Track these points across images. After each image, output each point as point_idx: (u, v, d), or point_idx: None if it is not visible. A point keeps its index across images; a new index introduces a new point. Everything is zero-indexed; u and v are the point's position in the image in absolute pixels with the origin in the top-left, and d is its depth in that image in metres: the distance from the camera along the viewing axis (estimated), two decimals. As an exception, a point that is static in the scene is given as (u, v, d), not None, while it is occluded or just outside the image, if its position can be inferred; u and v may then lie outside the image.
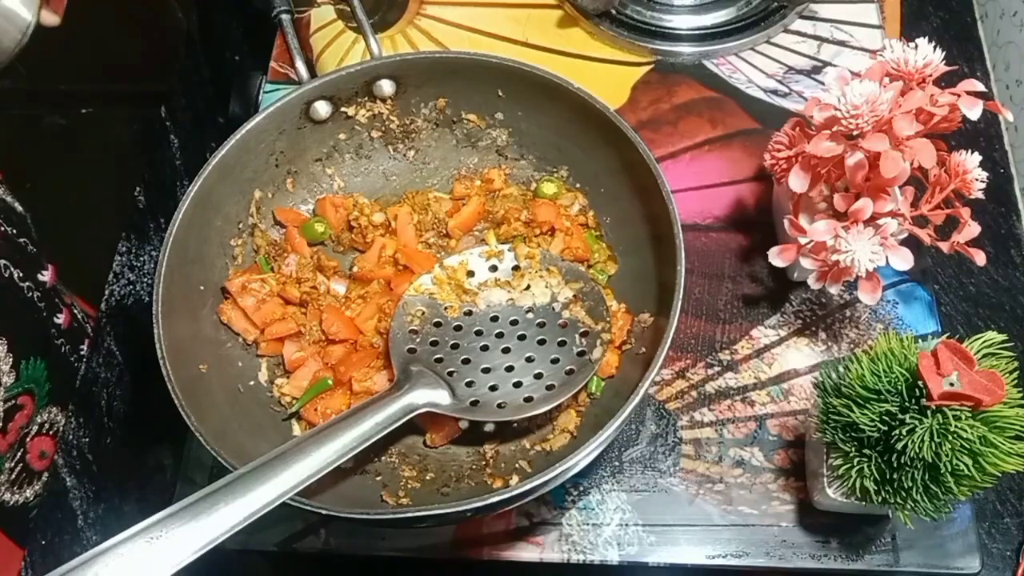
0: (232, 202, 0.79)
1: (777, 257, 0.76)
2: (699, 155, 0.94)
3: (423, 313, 0.76)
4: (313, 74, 0.81)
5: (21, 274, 0.80)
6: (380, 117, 0.85)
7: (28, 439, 0.77)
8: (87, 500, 0.81)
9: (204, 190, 0.75)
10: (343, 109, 0.83)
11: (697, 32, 1.01)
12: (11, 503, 0.81)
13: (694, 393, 0.82)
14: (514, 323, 0.75)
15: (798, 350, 0.84)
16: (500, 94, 0.82)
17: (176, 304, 0.71)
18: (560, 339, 0.74)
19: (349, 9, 0.86)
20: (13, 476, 0.78)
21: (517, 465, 0.73)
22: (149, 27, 1.07)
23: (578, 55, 1.02)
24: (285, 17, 0.84)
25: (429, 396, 0.69)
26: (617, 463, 0.79)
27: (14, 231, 0.82)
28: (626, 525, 0.77)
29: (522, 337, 0.74)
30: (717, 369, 0.83)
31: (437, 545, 0.77)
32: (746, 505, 0.77)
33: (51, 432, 0.82)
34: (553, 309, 0.76)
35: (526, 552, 0.77)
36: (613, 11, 1.01)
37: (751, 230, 0.89)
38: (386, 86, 0.83)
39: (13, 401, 0.71)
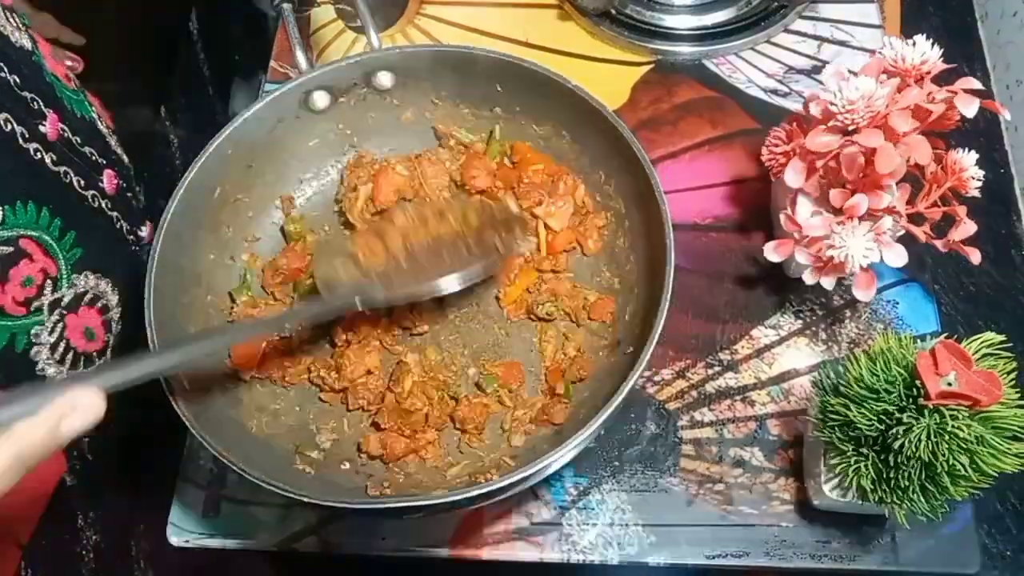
0: (227, 190, 0.80)
1: (773, 252, 0.76)
2: (699, 155, 0.94)
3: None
4: (313, 66, 0.81)
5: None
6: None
7: (62, 309, 0.72)
8: (87, 500, 0.81)
9: (199, 179, 0.75)
10: (341, 100, 0.83)
11: (697, 32, 1.01)
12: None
13: (694, 393, 0.82)
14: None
15: (798, 350, 0.84)
16: (498, 88, 0.83)
17: (168, 294, 0.71)
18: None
19: (349, 8, 0.87)
20: (58, 356, 0.73)
21: (501, 461, 0.73)
22: (149, 27, 1.07)
23: (578, 55, 1.02)
24: (286, 6, 0.84)
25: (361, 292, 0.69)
26: (617, 463, 0.79)
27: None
28: (626, 525, 0.77)
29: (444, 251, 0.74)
30: (717, 369, 0.83)
31: (437, 545, 0.77)
32: (746, 505, 0.77)
33: (97, 305, 0.77)
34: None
35: (526, 552, 0.77)
36: (613, 11, 1.01)
37: (751, 230, 0.89)
38: (385, 78, 0.83)
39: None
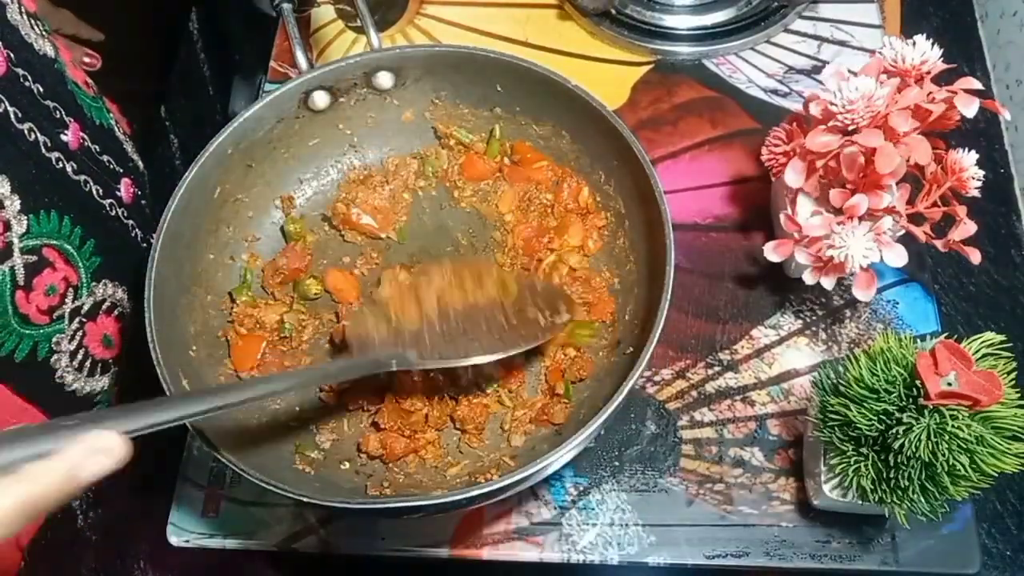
0: (227, 190, 0.80)
1: (773, 252, 0.76)
2: (699, 155, 0.94)
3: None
4: (313, 66, 0.81)
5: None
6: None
7: (81, 317, 0.72)
8: (87, 500, 0.81)
9: (199, 179, 0.75)
10: (342, 100, 0.83)
11: (697, 32, 1.01)
12: (82, 392, 0.76)
13: (694, 393, 0.82)
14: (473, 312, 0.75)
15: (798, 350, 0.84)
16: (498, 88, 0.83)
17: (168, 294, 0.71)
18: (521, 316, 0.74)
19: (349, 8, 0.86)
20: (76, 363, 0.73)
21: (501, 461, 0.73)
22: (149, 27, 1.07)
23: (578, 55, 1.02)
24: (286, 6, 0.84)
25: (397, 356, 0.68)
26: (617, 463, 0.79)
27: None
28: (626, 525, 0.77)
29: (481, 319, 0.74)
30: (717, 369, 0.83)
31: (437, 545, 0.77)
32: (746, 505, 0.77)
33: (115, 313, 0.77)
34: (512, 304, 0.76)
35: (526, 552, 0.77)
36: (613, 11, 1.01)
37: (751, 230, 0.89)
38: (385, 78, 0.83)
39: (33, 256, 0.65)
